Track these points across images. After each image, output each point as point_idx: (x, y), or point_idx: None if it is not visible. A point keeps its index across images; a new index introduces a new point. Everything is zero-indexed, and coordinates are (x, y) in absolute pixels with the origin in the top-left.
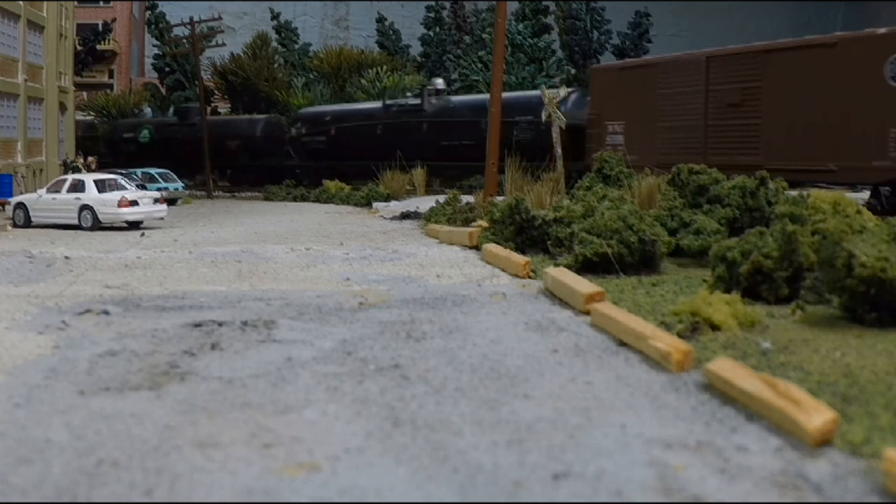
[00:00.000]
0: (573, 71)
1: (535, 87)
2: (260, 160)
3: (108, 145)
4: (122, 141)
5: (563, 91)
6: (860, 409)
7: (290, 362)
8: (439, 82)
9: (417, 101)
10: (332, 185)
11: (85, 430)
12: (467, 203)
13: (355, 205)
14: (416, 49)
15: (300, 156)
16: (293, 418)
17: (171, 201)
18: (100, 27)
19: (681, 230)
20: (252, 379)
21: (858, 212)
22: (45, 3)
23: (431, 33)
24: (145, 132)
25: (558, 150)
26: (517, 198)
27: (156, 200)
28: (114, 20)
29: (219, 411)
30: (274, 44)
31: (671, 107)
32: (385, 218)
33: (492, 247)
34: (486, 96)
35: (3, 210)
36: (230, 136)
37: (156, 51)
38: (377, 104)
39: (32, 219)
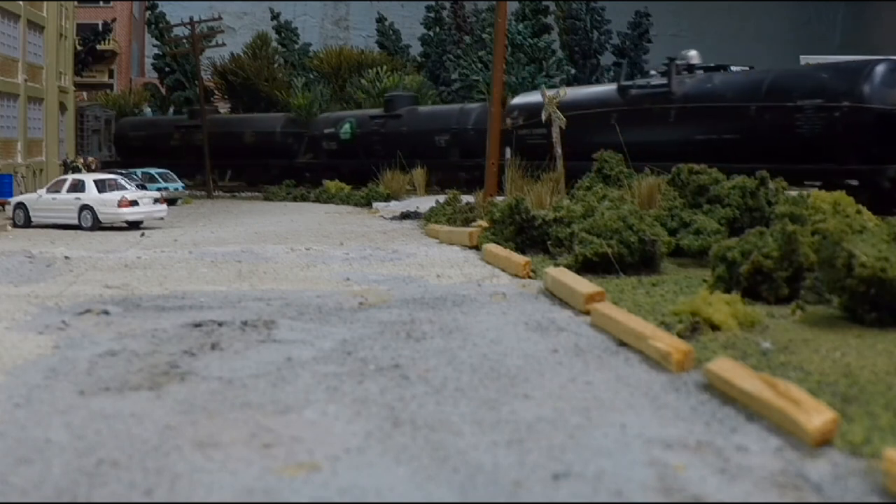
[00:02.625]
0: (573, 71)
1: (535, 87)
2: (474, 158)
3: (310, 144)
4: (323, 137)
5: (563, 91)
6: (860, 409)
7: (290, 362)
8: (692, 54)
9: (664, 80)
10: (332, 184)
11: (85, 430)
12: (467, 203)
13: (355, 205)
14: (416, 49)
15: (517, 153)
16: (293, 418)
17: (171, 201)
18: (100, 27)
19: (681, 230)
20: (252, 379)
21: (858, 212)
22: (45, 3)
23: (431, 33)
24: (346, 127)
25: (558, 150)
26: (517, 198)
27: (156, 200)
28: (114, 20)
29: (219, 411)
30: (274, 44)
31: None
32: (385, 218)
33: (492, 247)
34: (759, 73)
35: (3, 210)
36: (438, 129)
37: (156, 51)
38: (610, 87)
39: (32, 219)
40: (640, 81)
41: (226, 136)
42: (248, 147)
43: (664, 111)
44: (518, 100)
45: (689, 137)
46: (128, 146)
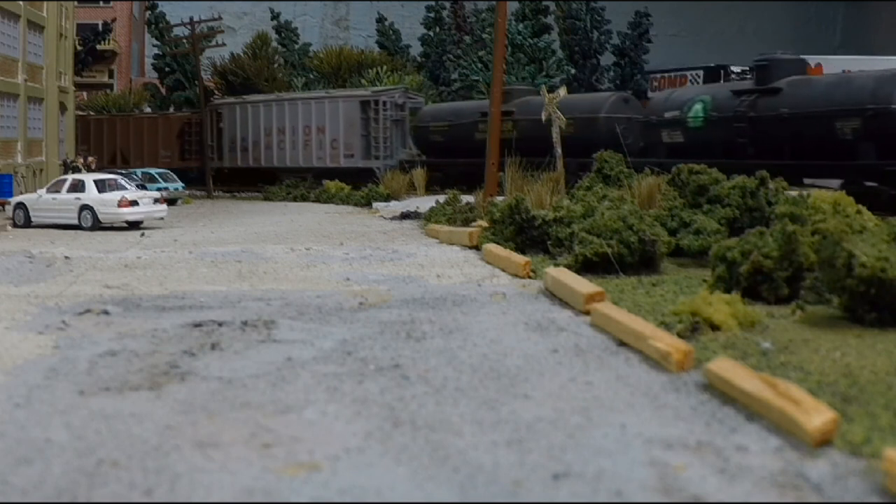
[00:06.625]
0: (573, 71)
1: (535, 87)
2: (855, 159)
3: (645, 134)
4: (664, 125)
5: (562, 91)
6: (860, 409)
7: (290, 362)
8: None
9: None
10: (331, 184)
11: (85, 430)
12: (467, 203)
13: (355, 205)
14: (416, 49)
15: None
16: (293, 418)
17: (171, 201)
18: (100, 27)
19: (681, 230)
20: (252, 379)
21: (858, 212)
22: (45, 3)
23: (431, 33)
24: (697, 108)
25: (558, 150)
26: (517, 198)
27: (156, 200)
28: (114, 20)
29: (219, 411)
30: (274, 44)
31: None
32: (385, 218)
33: (492, 247)
34: None
35: (3, 210)
36: (839, 110)
37: (156, 51)
38: None
39: (32, 219)
40: None
41: (534, 124)
42: (563, 139)
43: None
44: None
45: None
46: (428, 140)
